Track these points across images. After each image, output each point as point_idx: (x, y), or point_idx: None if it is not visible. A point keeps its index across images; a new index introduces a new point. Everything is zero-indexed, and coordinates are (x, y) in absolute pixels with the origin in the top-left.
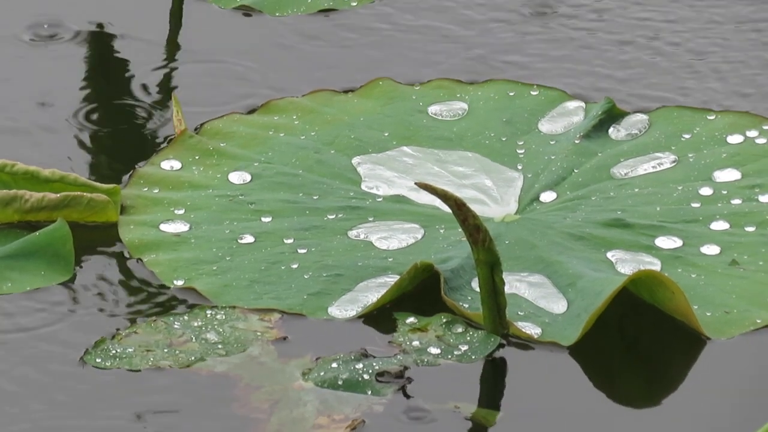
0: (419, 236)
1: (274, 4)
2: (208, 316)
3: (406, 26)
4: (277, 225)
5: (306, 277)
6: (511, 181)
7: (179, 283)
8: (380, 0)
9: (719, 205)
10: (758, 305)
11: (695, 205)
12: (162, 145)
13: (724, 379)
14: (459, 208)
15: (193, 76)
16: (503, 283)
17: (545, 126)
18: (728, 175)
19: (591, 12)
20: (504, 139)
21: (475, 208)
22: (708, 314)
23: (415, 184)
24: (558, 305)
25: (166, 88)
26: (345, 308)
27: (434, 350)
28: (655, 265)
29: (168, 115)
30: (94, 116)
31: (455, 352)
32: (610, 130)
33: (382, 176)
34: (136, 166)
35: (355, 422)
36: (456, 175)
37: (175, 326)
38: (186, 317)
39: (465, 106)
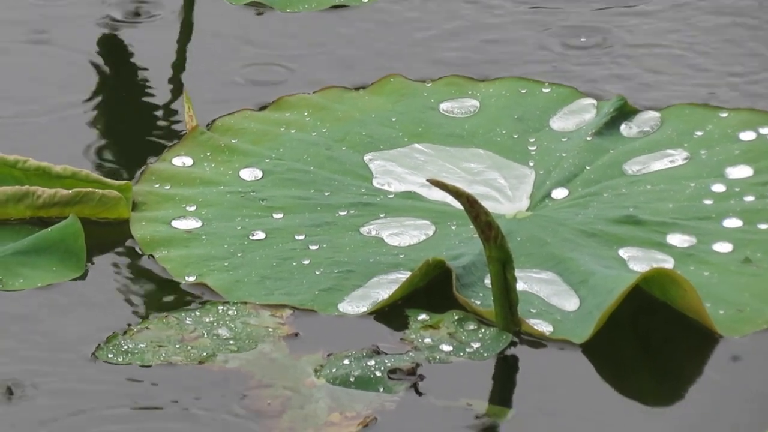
0: (431, 233)
1: (285, 1)
2: (220, 311)
3: (417, 23)
4: (288, 221)
5: (317, 273)
6: (523, 177)
7: (191, 279)
8: None
9: (732, 202)
10: None
11: (708, 202)
12: (173, 142)
13: (736, 377)
14: (471, 204)
15: (204, 73)
16: (515, 280)
17: (557, 123)
18: (741, 172)
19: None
20: (516, 136)
21: (486, 204)
22: (721, 312)
23: (427, 180)
24: (570, 302)
25: (177, 84)
26: (356, 304)
27: (446, 347)
28: (668, 262)
29: (179, 111)
30: (106, 113)
31: (467, 350)
32: (622, 127)
33: (393, 173)
34: (148, 163)
35: (367, 419)
36: (467, 171)
37: (187, 322)
38: (198, 313)
39: (476, 103)
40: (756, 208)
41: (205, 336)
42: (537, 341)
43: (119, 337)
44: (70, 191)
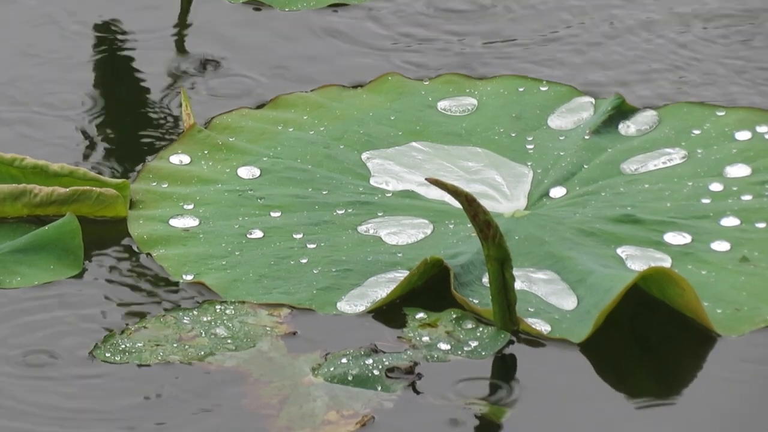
0: (429, 231)
1: None
2: (218, 311)
3: (416, 21)
4: (286, 220)
5: (315, 272)
6: (521, 176)
7: (188, 278)
8: None
9: (729, 201)
10: None
11: (705, 201)
12: (171, 140)
13: (734, 376)
14: (469, 203)
15: (202, 71)
16: (513, 279)
17: (555, 122)
18: (738, 170)
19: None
20: (513, 134)
21: (484, 203)
22: (718, 311)
23: (426, 179)
24: (568, 301)
25: (175, 82)
26: (354, 303)
27: (444, 346)
28: (665, 261)
29: (177, 109)
30: (103, 111)
31: (465, 348)
32: (620, 125)
33: (391, 171)
34: (145, 161)
35: (364, 418)
36: (465, 170)
37: (185, 321)
38: (195, 312)
39: (474, 101)
40: (753, 207)
41: (203, 335)
42: (535, 340)
43: (117, 336)
44: (68, 189)
